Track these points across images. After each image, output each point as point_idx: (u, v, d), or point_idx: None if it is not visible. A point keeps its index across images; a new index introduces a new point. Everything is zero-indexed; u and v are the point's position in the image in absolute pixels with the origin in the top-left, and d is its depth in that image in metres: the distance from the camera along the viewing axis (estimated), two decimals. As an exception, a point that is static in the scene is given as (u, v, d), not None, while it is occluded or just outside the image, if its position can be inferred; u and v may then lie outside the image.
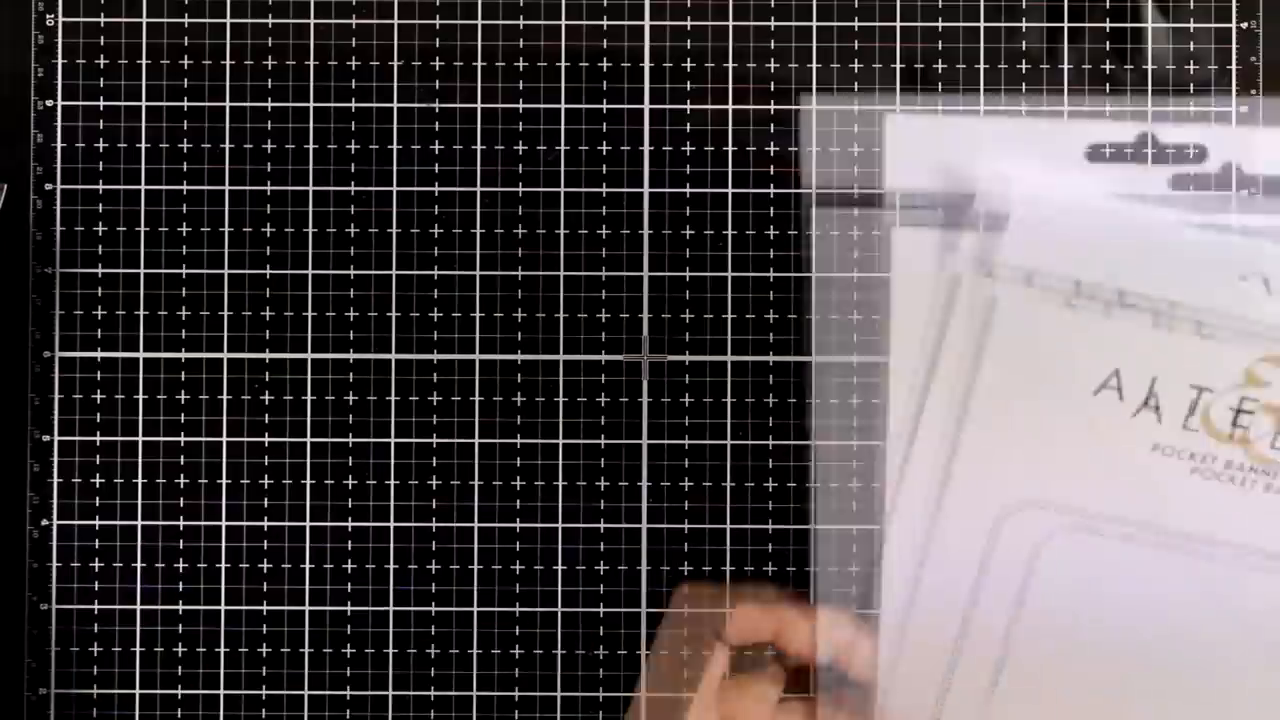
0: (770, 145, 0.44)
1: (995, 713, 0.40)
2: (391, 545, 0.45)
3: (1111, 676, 0.40)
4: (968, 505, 0.40)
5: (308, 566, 0.45)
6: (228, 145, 0.45)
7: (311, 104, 0.45)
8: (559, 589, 0.45)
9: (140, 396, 0.45)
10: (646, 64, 0.45)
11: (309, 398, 0.45)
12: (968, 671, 0.40)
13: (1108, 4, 0.44)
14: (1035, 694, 0.40)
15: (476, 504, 0.45)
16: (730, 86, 0.45)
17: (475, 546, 0.45)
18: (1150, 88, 0.44)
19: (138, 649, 0.45)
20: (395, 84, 0.45)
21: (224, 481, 0.45)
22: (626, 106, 0.45)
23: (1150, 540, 0.40)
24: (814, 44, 0.45)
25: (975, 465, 0.40)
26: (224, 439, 0.45)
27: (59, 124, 0.45)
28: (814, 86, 0.44)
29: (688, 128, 0.45)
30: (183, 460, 0.44)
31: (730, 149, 0.45)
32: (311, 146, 0.45)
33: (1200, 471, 0.39)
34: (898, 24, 0.44)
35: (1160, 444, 0.40)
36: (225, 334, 0.45)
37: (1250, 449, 0.39)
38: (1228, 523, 0.39)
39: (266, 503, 0.45)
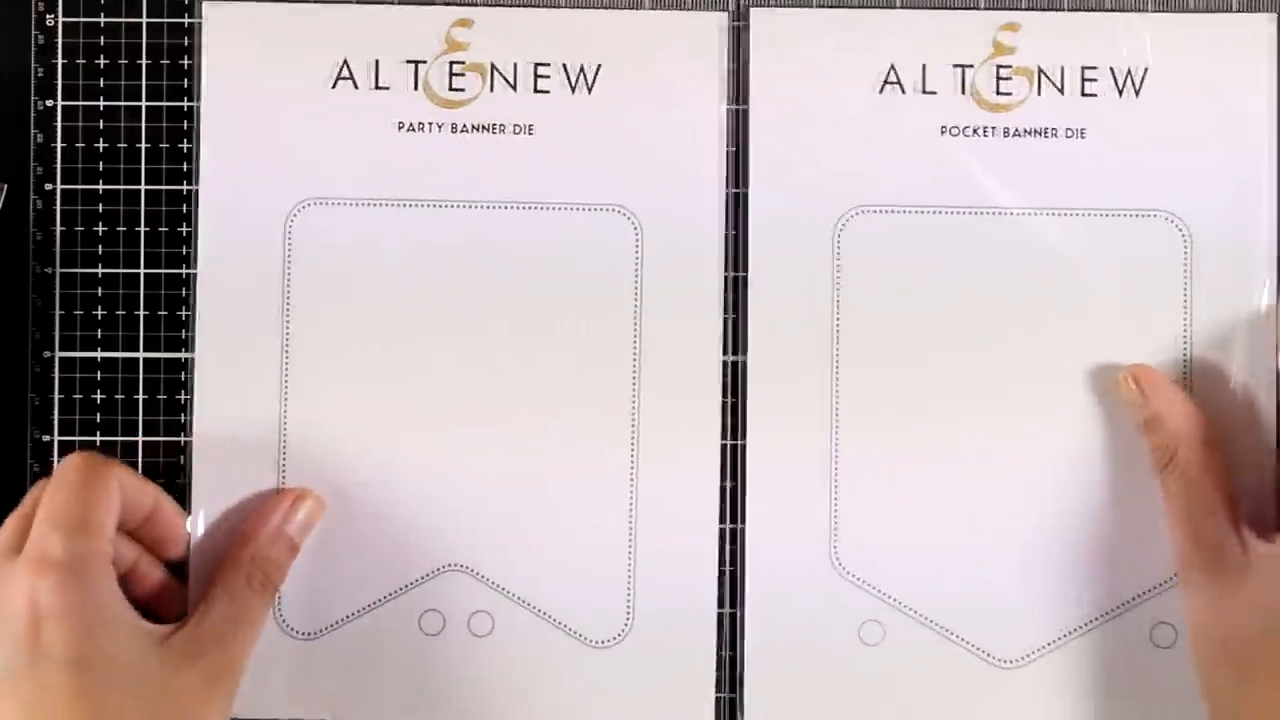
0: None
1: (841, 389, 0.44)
2: (391, 545, 0.45)
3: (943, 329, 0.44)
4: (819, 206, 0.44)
5: (307, 567, 0.45)
6: (228, 145, 0.45)
7: (311, 104, 0.45)
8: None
9: (140, 396, 0.45)
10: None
11: (309, 398, 0.45)
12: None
13: None
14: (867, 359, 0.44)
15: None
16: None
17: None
18: None
19: (137, 649, 0.45)
20: (395, 84, 0.45)
21: (224, 482, 0.45)
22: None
23: (965, 212, 0.44)
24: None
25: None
26: (224, 439, 0.45)
27: (59, 124, 0.45)
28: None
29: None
30: (182, 461, 0.44)
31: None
32: (311, 146, 0.45)
33: (980, 139, 0.44)
34: None
35: (946, 124, 0.44)
36: (225, 334, 0.45)
37: (1014, 111, 0.44)
38: (1011, 185, 0.44)
39: (266, 503, 0.45)
